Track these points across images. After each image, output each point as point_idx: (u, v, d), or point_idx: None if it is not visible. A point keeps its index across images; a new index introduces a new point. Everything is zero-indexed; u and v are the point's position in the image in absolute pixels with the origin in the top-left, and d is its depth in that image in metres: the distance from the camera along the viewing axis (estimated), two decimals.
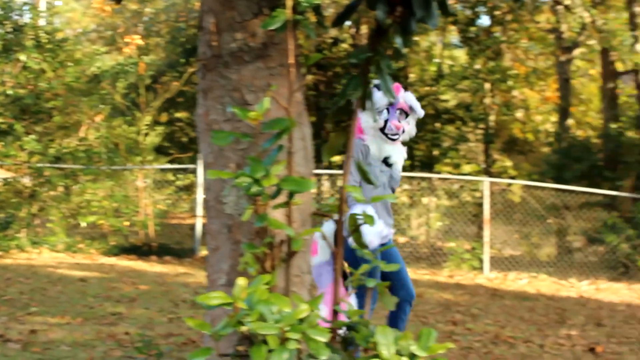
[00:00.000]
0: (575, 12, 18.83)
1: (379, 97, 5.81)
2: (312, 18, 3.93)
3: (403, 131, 5.96)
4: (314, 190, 16.19)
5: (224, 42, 3.93)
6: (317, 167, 18.58)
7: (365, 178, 4.31)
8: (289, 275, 3.85)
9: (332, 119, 5.66)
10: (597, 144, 19.96)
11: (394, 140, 5.95)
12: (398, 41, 4.08)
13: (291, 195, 3.68)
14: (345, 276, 5.90)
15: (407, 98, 5.97)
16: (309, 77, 22.40)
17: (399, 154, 6.04)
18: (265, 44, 3.92)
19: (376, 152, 5.92)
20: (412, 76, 23.43)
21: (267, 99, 3.60)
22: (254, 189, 3.52)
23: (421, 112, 6.07)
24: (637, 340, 8.83)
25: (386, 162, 5.97)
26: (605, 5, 19.57)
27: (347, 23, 21.72)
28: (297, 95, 3.99)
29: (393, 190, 6.12)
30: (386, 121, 5.88)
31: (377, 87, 5.80)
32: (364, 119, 5.86)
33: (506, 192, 17.24)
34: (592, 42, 20.49)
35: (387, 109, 5.89)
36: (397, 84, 5.88)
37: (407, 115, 6.01)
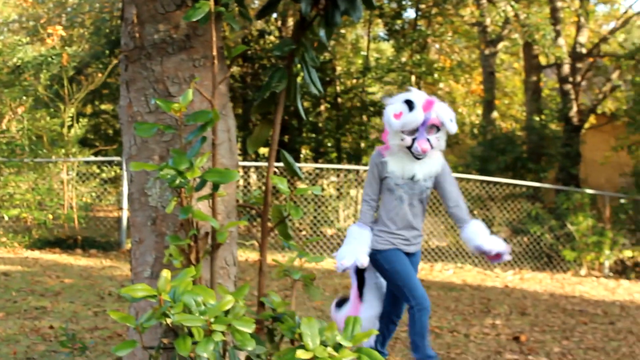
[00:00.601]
0: (499, 6, 19.06)
1: (413, 118, 5.49)
2: (236, 10, 3.93)
3: (431, 147, 5.59)
4: (241, 183, 15.88)
5: (147, 34, 3.90)
6: (245, 159, 18.53)
7: (291, 170, 4.33)
8: (214, 267, 3.85)
9: (256, 111, 5.35)
10: (521, 137, 20.22)
11: (419, 159, 5.62)
12: (322, 33, 4.10)
13: (216, 187, 3.68)
14: (362, 282, 5.91)
15: (440, 112, 5.58)
16: (236, 69, 22.32)
17: (427, 168, 5.67)
18: (189, 35, 3.91)
19: (398, 170, 5.63)
20: (339, 69, 23.49)
21: (191, 90, 3.59)
22: (178, 181, 3.51)
23: (453, 129, 5.65)
24: (559, 329, 9.00)
25: (411, 179, 5.65)
26: None
27: (274, 15, 21.69)
28: (221, 87, 3.98)
29: (422, 202, 5.78)
30: (414, 139, 5.54)
31: (410, 104, 5.53)
32: (391, 137, 5.61)
33: None
34: (515, 36, 20.78)
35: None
36: (431, 98, 5.65)
37: (438, 129, 5.62)
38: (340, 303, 6.14)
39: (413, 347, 5.67)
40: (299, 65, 4.22)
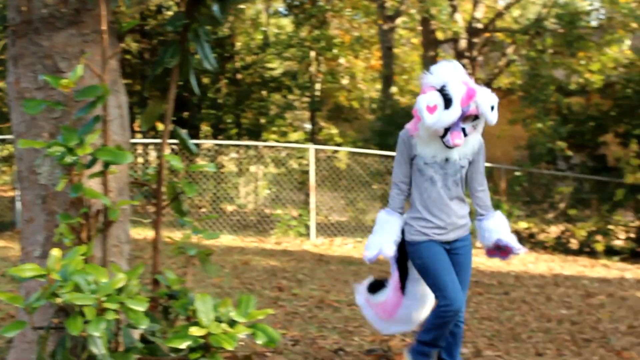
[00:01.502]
0: None
1: (448, 117, 4.79)
2: None
3: (465, 136, 4.93)
4: (140, 160, 15.62)
5: (35, 8, 3.81)
6: (144, 137, 18.32)
7: (185, 145, 4.29)
8: (106, 245, 3.80)
9: (149, 87, 5.25)
10: None
11: (450, 148, 4.95)
12: (215, 8, 4.07)
13: (107, 164, 3.63)
14: (405, 273, 5.46)
15: (480, 102, 4.86)
16: (134, 45, 22.00)
17: (463, 148, 5.00)
18: (78, 10, 3.83)
19: (427, 154, 4.99)
20: (239, 44, 23.35)
21: (80, 66, 3.52)
22: (68, 158, 3.45)
23: (493, 119, 4.93)
24: None
25: (446, 160, 5.01)
26: None
27: None
28: (112, 63, 3.92)
29: (458, 184, 5.11)
30: (447, 130, 4.87)
31: (447, 99, 4.81)
32: (422, 125, 4.91)
33: (332, 159, 17.47)
34: (412, 11, 20.95)
35: None
36: (472, 88, 4.91)
37: (476, 117, 4.95)
38: (375, 287, 5.72)
39: (424, 331, 5.26)
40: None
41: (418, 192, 5.13)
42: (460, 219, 5.17)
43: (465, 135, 4.93)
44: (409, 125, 5.16)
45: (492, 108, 4.92)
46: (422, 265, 5.12)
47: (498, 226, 5.31)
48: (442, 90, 4.85)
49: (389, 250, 5.08)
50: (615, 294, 10.40)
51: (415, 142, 5.05)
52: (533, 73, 18.59)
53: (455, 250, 5.20)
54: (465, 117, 4.88)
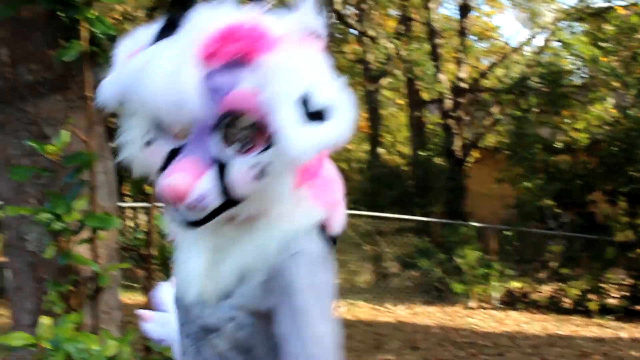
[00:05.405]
0: (380, 43, 19.36)
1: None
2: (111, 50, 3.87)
3: (226, 190, 1.68)
4: (131, 224, 15.57)
5: (19, 74, 3.80)
6: (134, 200, 18.27)
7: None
8: (97, 312, 3.76)
9: None
10: (407, 171, 20.51)
11: (192, 225, 1.76)
12: None
13: (95, 230, 3.60)
14: None
15: (274, 74, 1.69)
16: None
17: (227, 260, 1.87)
18: (63, 76, 3.82)
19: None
20: None
21: (66, 132, 3.51)
22: (56, 225, 3.42)
23: (291, 144, 1.64)
24: None
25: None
26: (409, 36, 20.24)
27: None
28: (98, 128, 3.90)
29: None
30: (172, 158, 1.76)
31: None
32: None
33: None
34: (397, 72, 21.10)
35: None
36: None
37: (259, 130, 1.68)
38: None
39: None
40: None
41: None
42: None
43: (225, 189, 1.71)
44: None
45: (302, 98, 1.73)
46: None
47: None
48: None
49: None
50: (610, 353, 10.33)
51: None
52: (519, 132, 18.70)
53: None
54: (225, 118, 1.70)
